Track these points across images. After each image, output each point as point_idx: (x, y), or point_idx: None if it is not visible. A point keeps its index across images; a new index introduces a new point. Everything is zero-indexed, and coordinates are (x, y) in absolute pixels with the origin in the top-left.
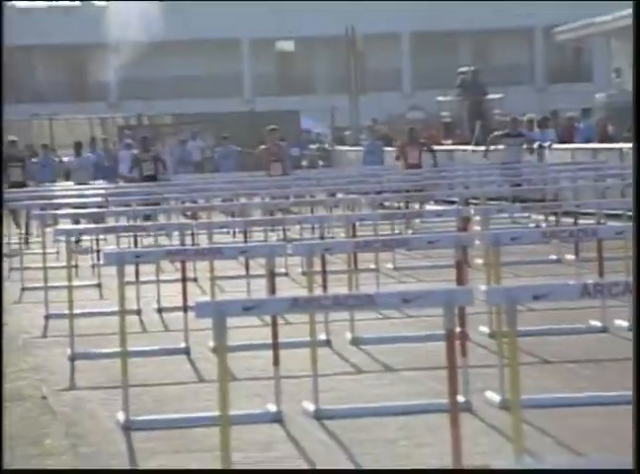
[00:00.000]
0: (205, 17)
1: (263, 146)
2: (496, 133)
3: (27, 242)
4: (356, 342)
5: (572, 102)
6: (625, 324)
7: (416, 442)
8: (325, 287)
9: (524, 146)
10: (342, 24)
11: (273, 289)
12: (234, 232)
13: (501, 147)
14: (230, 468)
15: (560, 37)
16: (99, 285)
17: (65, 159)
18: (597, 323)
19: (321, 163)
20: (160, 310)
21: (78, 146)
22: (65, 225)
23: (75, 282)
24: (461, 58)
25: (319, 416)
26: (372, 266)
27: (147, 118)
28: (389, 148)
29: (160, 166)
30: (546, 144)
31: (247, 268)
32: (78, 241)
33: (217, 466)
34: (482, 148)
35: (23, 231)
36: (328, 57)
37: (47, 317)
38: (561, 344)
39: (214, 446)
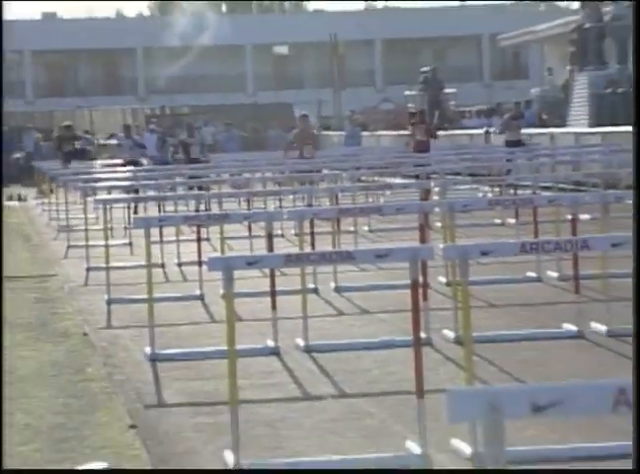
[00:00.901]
0: (217, 27)
1: (296, 130)
2: (505, 118)
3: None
4: (338, 290)
5: (512, 96)
6: (555, 275)
7: (386, 371)
8: (313, 246)
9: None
10: (326, 32)
11: (271, 248)
12: (239, 201)
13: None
14: (236, 399)
15: (503, 42)
16: (130, 244)
17: (114, 141)
18: (532, 274)
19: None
20: (180, 264)
21: (127, 129)
22: (104, 196)
23: (110, 242)
24: (423, 60)
25: (309, 350)
26: (352, 228)
27: (169, 108)
28: (366, 133)
29: (205, 150)
30: (492, 130)
31: (250, 230)
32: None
33: (224, 388)
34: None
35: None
36: (315, 59)
37: (88, 269)
38: (504, 291)
39: (224, 374)
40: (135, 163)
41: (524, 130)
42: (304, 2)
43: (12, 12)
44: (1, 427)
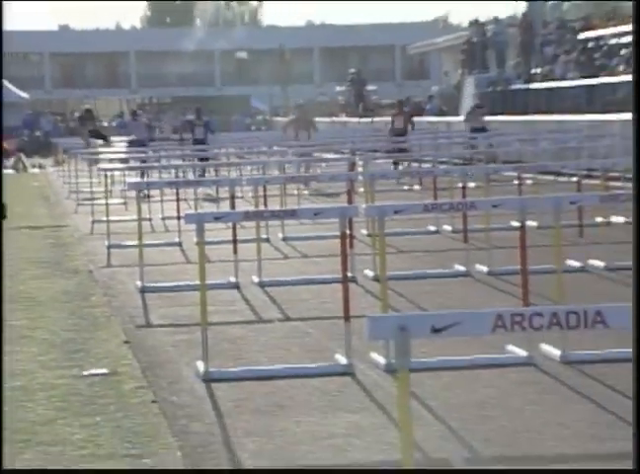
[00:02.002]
0: (192, 36)
1: (292, 116)
2: (471, 107)
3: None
4: (285, 239)
5: (418, 92)
6: (449, 228)
7: (321, 301)
8: (265, 205)
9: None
10: (277, 42)
11: (233, 206)
12: (210, 170)
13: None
14: (206, 335)
15: (411, 51)
16: (125, 203)
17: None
18: (432, 228)
19: (263, 128)
20: (163, 218)
21: (134, 113)
22: (106, 165)
23: (110, 201)
24: (351, 64)
25: (262, 284)
26: (295, 192)
27: (155, 98)
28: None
29: (208, 132)
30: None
31: (217, 193)
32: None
33: (197, 313)
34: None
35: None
36: (268, 62)
37: (93, 222)
38: (410, 240)
39: (196, 302)
40: (142, 142)
41: (430, 118)
42: (260, 18)
43: (33, 23)
44: (1, 427)
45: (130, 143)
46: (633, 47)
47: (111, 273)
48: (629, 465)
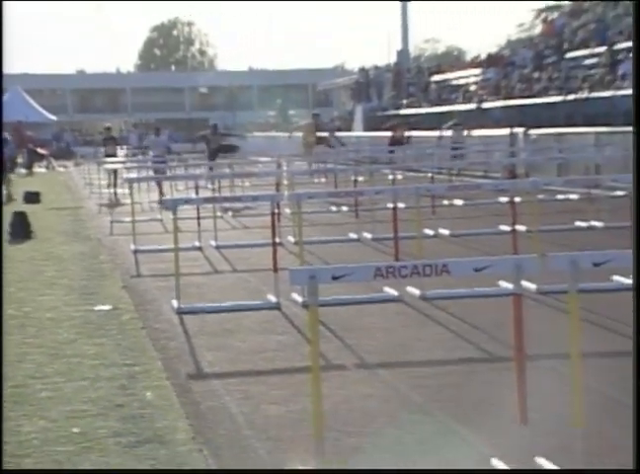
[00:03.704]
0: (168, 79)
1: (304, 122)
2: (448, 123)
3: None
4: (234, 216)
5: (325, 115)
6: (346, 208)
7: (259, 258)
8: (219, 192)
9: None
10: (228, 81)
11: (197, 193)
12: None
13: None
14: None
15: (319, 88)
16: (115, 191)
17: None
18: (333, 208)
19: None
20: (150, 202)
21: (157, 130)
22: (109, 165)
23: (112, 190)
24: (279, 96)
25: (218, 247)
26: (241, 184)
27: (144, 120)
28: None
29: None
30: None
31: (187, 187)
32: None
33: (173, 267)
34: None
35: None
36: (222, 95)
37: (100, 205)
38: (319, 216)
39: (172, 259)
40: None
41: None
42: (216, 64)
43: (58, 68)
44: (1, 428)
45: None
46: (633, 50)
47: (113, 240)
48: (472, 368)
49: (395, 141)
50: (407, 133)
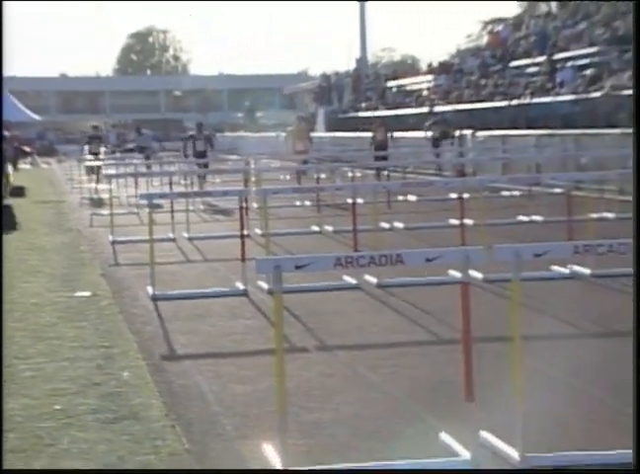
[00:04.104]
0: (145, 82)
1: (291, 128)
2: (429, 122)
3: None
4: (205, 210)
5: (290, 117)
6: (309, 203)
7: (228, 249)
8: (192, 188)
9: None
10: (200, 84)
11: (171, 188)
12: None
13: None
14: (154, 298)
15: (285, 91)
16: (97, 187)
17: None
18: (297, 202)
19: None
20: (127, 196)
21: (139, 130)
22: (89, 162)
23: (94, 185)
24: (248, 100)
25: (190, 238)
26: (211, 180)
27: (122, 120)
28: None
29: (208, 145)
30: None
31: (162, 182)
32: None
33: (148, 256)
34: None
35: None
36: (195, 98)
37: (82, 198)
38: (284, 210)
39: (147, 250)
40: (143, 148)
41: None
42: (189, 68)
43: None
44: (1, 429)
45: (140, 149)
46: (633, 51)
47: (93, 231)
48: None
49: (379, 144)
50: (389, 134)
